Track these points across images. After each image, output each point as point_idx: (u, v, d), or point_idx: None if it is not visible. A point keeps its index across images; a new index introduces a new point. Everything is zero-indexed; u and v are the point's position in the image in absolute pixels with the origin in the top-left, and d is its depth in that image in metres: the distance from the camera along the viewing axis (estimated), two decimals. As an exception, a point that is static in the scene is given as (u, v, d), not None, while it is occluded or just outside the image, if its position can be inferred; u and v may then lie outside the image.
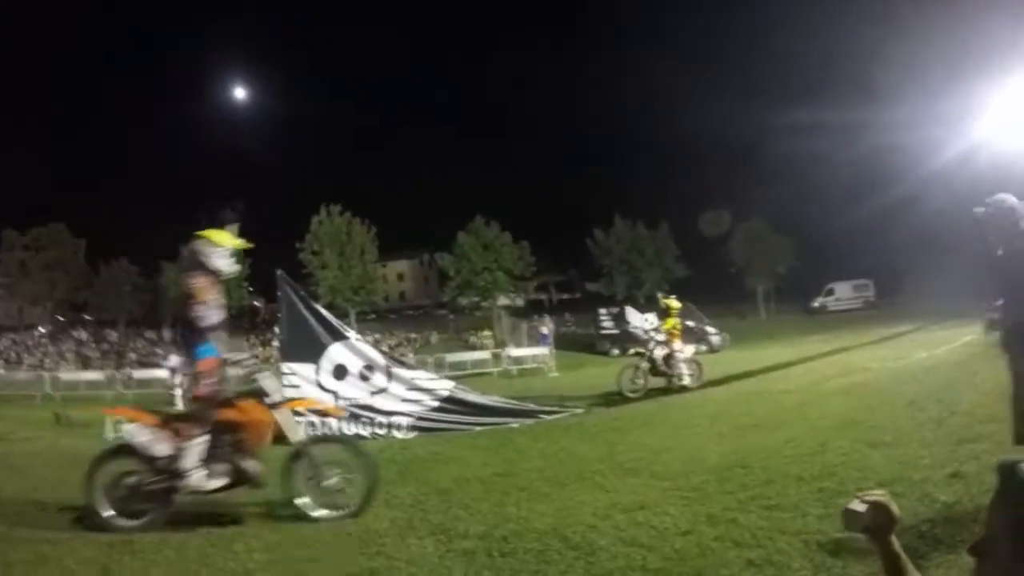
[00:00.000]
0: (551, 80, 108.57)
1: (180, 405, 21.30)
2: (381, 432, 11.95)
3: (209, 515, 6.31)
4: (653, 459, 7.47)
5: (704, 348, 27.31)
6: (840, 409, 9.30)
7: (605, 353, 35.87)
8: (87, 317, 63.86)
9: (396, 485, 7.42)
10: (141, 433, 6.21)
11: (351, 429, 11.92)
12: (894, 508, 1.65)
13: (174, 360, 23.89)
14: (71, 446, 13.04)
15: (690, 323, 23.89)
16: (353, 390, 12.26)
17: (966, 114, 17.89)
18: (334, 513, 6.28)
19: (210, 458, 6.18)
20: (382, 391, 12.30)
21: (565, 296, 78.06)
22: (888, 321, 31.47)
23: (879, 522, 1.65)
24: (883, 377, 12.48)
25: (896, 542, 1.65)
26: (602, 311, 40.10)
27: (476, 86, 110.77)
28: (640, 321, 34.03)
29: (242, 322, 59.22)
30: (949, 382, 10.32)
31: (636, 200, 61.53)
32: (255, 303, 68.26)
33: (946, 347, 15.71)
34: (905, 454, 6.38)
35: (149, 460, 6.14)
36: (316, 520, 6.20)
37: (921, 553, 3.98)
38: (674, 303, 16.64)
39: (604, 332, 38.25)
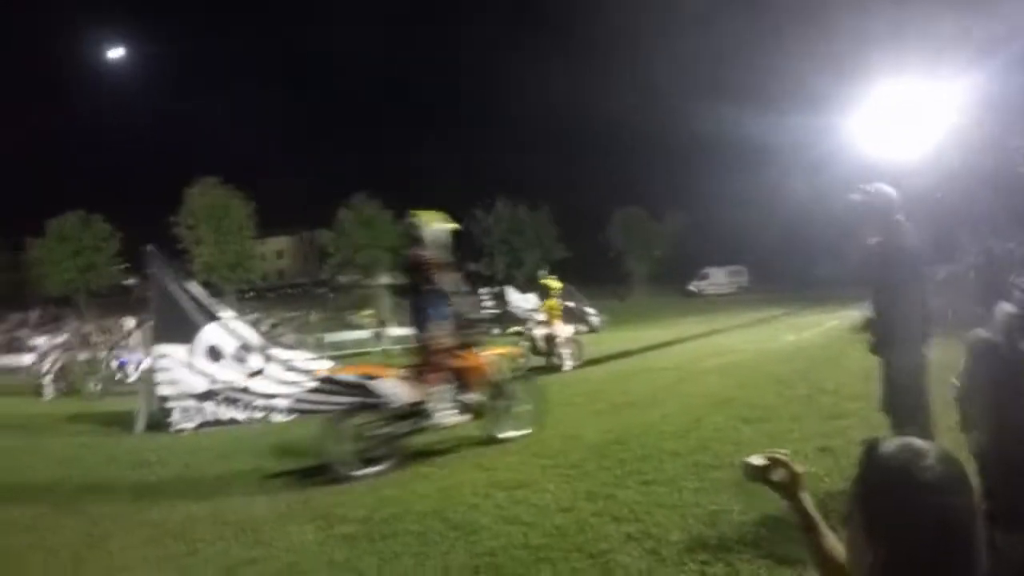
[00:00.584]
0: (437, 53, 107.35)
1: (48, 393, 20.08)
2: (259, 415, 11.63)
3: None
4: (532, 437, 7.58)
5: (584, 328, 27.69)
6: (714, 387, 9.66)
7: (486, 332, 36.07)
8: None
9: (273, 471, 7.33)
10: (388, 386, 7.34)
11: (228, 413, 11.59)
12: (795, 466, 1.69)
13: (41, 343, 22.36)
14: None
15: (570, 304, 24.24)
16: (229, 372, 11.86)
17: (837, 113, 18.90)
18: (516, 433, 7.78)
19: (449, 399, 7.53)
20: (259, 373, 11.98)
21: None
22: (760, 306, 32.86)
23: (783, 479, 1.70)
24: (755, 357, 13.02)
25: (807, 499, 1.70)
26: (483, 291, 40.20)
27: (354, 57, 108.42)
28: (520, 301, 34.31)
29: (114, 300, 56.75)
30: (817, 363, 10.87)
31: (518, 181, 61.87)
32: (129, 281, 65.48)
33: (814, 330, 16.53)
34: (776, 429, 6.68)
35: (392, 410, 7.22)
36: (504, 440, 7.64)
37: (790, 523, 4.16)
38: (554, 283, 16.80)
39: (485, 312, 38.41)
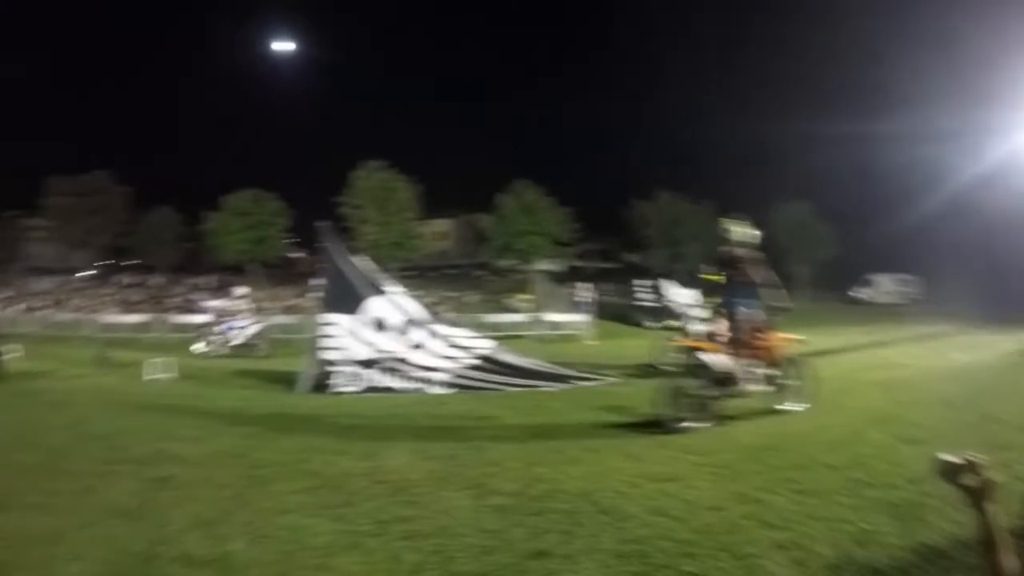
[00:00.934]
0: (601, 43, 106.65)
1: (205, 347, 21.90)
2: (415, 386, 12.13)
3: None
4: (685, 433, 7.57)
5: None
6: (875, 402, 9.30)
7: (639, 325, 35.77)
8: (129, 262, 65.55)
9: (431, 439, 7.66)
10: (712, 358, 8.99)
11: (387, 382, 12.14)
12: (990, 473, 1.64)
13: (215, 306, 24.36)
14: (111, 385, 13.59)
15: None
16: (391, 343, 12.45)
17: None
18: (794, 407, 8.93)
19: (755, 372, 9.08)
20: (421, 346, 12.48)
21: (604, 265, 77.67)
22: (929, 319, 30.94)
23: (977, 485, 1.65)
24: (920, 375, 12.37)
25: (995, 512, 1.64)
26: (639, 283, 39.86)
27: (526, 44, 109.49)
28: (679, 296, 33.83)
29: (280, 272, 60.71)
30: (987, 387, 10.25)
31: (679, 172, 60.74)
32: (294, 254, 69.59)
33: (988, 352, 15.50)
34: (936, 453, 6.38)
35: (715, 376, 8.82)
36: (781, 412, 8.84)
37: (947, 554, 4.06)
38: (715, 278, 16.52)
39: (641, 304, 38.07)
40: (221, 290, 35.39)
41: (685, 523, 4.71)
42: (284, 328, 30.54)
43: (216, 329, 22.91)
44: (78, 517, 5.14)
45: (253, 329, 22.91)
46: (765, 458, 6.32)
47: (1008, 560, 1.57)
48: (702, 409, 8.35)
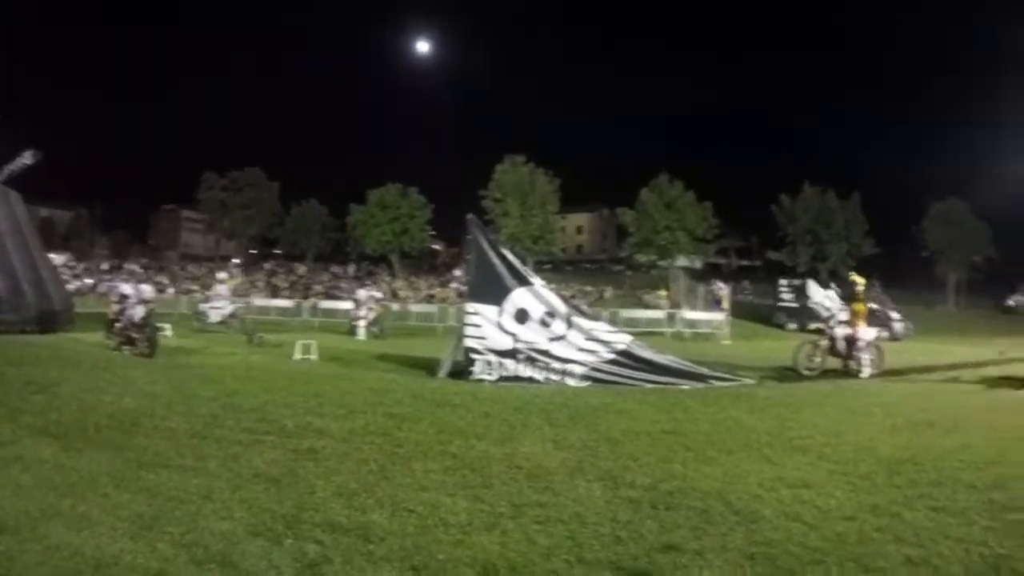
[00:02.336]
0: (747, 41, 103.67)
1: (361, 335, 24.04)
2: (555, 378, 12.40)
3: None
4: (823, 440, 7.44)
5: (886, 335, 25.96)
6: None
7: (781, 326, 34.93)
8: (278, 251, 69.67)
9: (567, 429, 7.86)
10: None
11: (526, 372, 12.47)
12: None
13: (360, 294, 26.47)
14: (261, 362, 14.56)
15: (874, 306, 22.92)
16: (532, 334, 12.76)
17: None
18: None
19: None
20: (561, 338, 12.73)
21: (744, 263, 75.93)
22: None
23: None
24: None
25: None
26: (783, 282, 38.78)
27: (667, 40, 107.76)
28: (822, 297, 32.85)
29: (422, 263, 62.91)
30: None
31: (828, 167, 58.49)
32: (435, 246, 71.79)
33: None
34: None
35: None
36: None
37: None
38: (859, 280, 16.09)
39: (783, 305, 37.09)
40: (363, 279, 37.37)
41: (817, 530, 4.71)
42: (422, 316, 31.91)
43: (199, 307, 26.33)
44: (227, 480, 5.54)
45: (230, 309, 25.62)
46: (903, 471, 6.19)
47: None
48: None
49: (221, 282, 27.59)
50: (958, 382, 13.00)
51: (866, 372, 14.56)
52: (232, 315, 25.30)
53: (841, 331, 14.95)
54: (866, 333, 14.97)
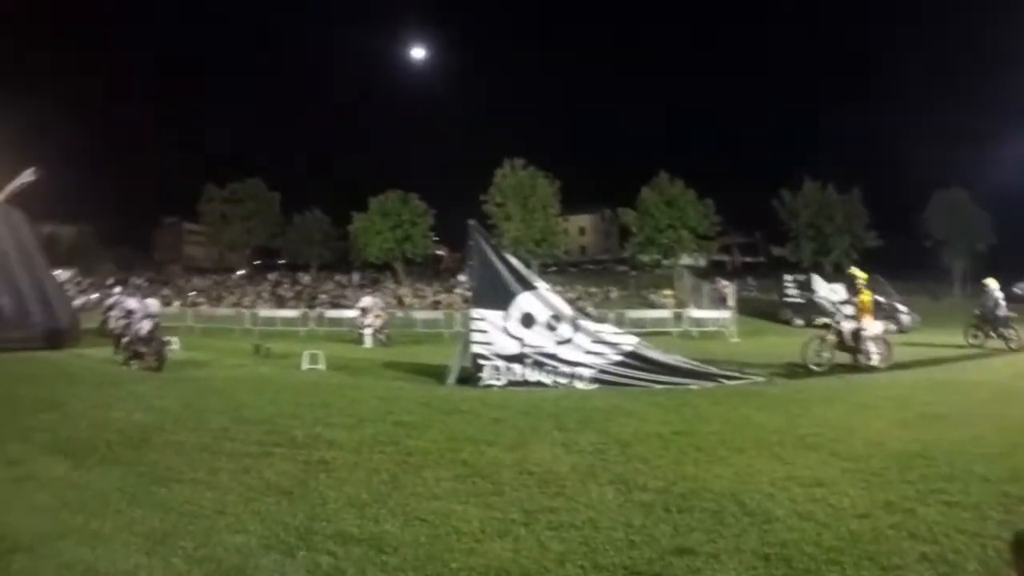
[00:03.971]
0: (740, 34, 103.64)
1: (367, 343, 24.17)
2: (563, 381, 12.39)
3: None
4: (834, 437, 7.41)
5: (893, 327, 25.82)
6: (1036, 412, 8.83)
7: (787, 322, 34.83)
8: (281, 261, 70.02)
9: (577, 433, 7.84)
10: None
11: (534, 376, 12.47)
12: None
13: (365, 301, 26.56)
14: (269, 374, 14.59)
15: (879, 298, 22.69)
16: (539, 338, 12.75)
17: None
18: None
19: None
20: (567, 341, 12.72)
21: (748, 259, 75.77)
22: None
23: None
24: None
25: None
26: (788, 278, 38.66)
27: (665, 41, 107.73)
28: (827, 291, 32.74)
29: (427, 269, 63.09)
30: None
31: (828, 161, 58.31)
32: (439, 252, 71.92)
33: None
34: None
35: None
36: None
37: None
38: (859, 273, 16.01)
39: (788, 300, 37.00)
40: (367, 287, 37.53)
41: (831, 529, 4.69)
42: (428, 323, 32.01)
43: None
44: (239, 493, 5.59)
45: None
46: (916, 466, 6.16)
47: None
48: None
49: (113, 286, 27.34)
50: (967, 374, 12.96)
51: (875, 359, 14.53)
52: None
53: (848, 325, 14.91)
54: (872, 326, 14.92)
